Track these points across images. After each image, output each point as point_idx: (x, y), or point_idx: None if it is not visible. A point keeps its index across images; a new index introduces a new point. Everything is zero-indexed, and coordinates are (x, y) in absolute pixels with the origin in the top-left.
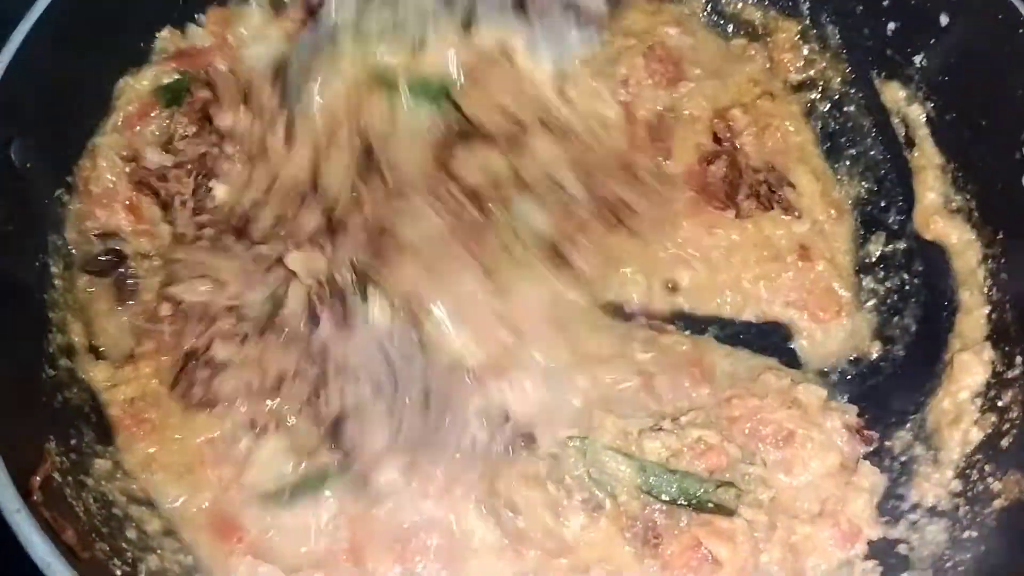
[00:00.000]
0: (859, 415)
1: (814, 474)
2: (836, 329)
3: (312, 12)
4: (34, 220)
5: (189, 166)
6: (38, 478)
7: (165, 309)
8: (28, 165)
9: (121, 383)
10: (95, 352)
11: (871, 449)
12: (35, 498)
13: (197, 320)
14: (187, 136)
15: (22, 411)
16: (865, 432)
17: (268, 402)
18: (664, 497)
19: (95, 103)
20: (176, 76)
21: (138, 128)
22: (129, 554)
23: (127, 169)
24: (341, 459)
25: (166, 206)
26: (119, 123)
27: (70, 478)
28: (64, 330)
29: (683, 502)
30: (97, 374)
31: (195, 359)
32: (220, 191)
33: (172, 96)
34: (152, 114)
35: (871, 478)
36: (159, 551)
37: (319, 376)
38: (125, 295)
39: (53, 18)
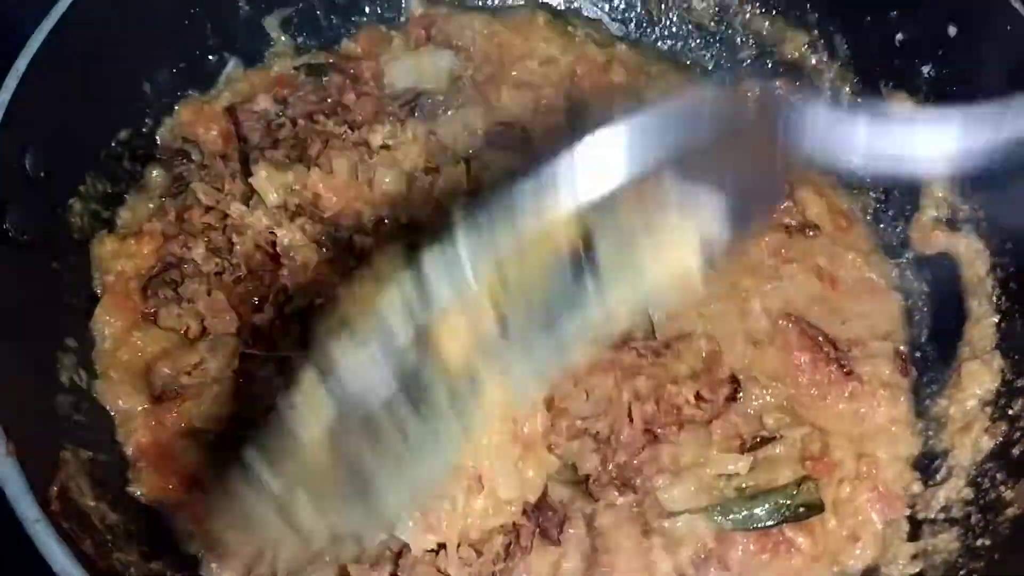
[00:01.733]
0: None
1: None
2: None
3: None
4: (48, 230)
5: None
6: (55, 488)
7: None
8: (42, 174)
9: (123, 257)
10: (109, 226)
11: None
12: (53, 508)
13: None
14: (303, 99)
15: (38, 420)
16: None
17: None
18: (759, 525)
19: (109, 114)
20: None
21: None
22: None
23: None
24: None
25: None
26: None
27: (85, 486)
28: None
29: (775, 521)
30: (106, 245)
31: (168, 274)
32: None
33: (314, 72)
34: (296, 84)
35: None
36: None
37: None
38: (175, 190)
39: (68, 25)
